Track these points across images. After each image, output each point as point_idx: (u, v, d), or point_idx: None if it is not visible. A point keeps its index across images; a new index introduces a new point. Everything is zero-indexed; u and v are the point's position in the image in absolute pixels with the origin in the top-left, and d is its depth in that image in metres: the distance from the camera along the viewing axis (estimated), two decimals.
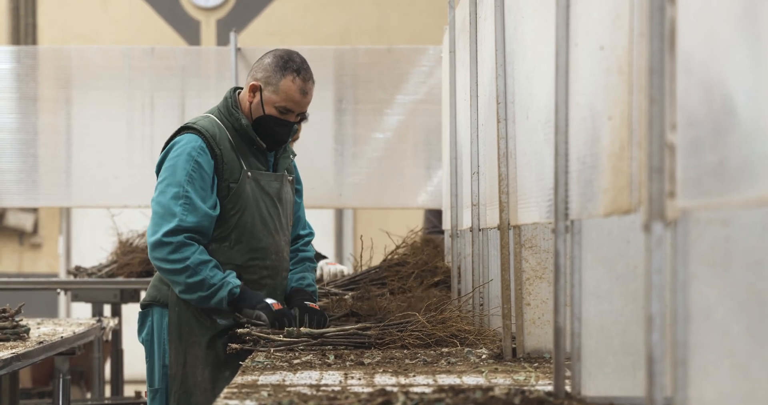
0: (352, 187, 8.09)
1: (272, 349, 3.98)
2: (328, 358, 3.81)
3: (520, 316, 3.84)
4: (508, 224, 3.75)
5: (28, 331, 4.81)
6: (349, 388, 3.10)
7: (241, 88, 4.46)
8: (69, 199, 8.18)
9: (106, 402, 7.97)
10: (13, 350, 4.38)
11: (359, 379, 3.33)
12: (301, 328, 4.09)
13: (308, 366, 3.66)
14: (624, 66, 2.35)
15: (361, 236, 5.87)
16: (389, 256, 5.78)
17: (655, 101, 2.04)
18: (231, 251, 4.35)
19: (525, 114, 3.48)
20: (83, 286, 7.69)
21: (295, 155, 4.65)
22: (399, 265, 5.69)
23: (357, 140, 8.08)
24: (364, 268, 5.83)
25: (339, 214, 12.03)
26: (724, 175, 1.85)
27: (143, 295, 5.15)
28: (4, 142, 8.05)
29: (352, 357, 3.82)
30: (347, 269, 6.34)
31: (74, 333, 5.26)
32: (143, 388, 5.05)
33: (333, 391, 3.01)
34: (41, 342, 4.69)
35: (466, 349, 3.93)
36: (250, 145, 4.39)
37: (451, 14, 5.66)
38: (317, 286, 4.79)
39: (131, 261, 7.67)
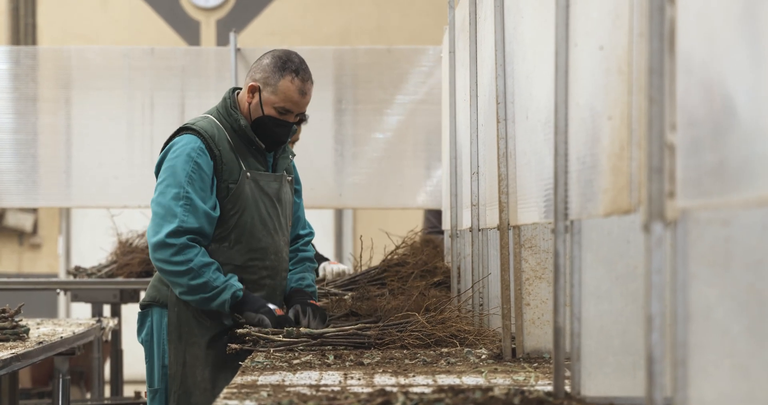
0: (351, 187, 8.09)
1: (272, 350, 3.98)
2: (328, 359, 3.81)
3: (520, 317, 3.84)
4: (508, 224, 3.75)
5: (27, 331, 4.81)
6: (348, 388, 3.10)
7: (240, 89, 4.46)
8: (69, 199, 8.18)
9: (106, 402, 7.97)
10: (13, 350, 4.38)
11: (359, 379, 3.33)
12: (301, 329, 4.09)
13: (308, 366, 3.66)
14: (624, 66, 2.35)
15: (361, 236, 5.87)
16: (389, 257, 5.78)
17: (654, 101, 2.03)
18: (230, 251, 4.35)
19: (525, 114, 3.48)
20: (83, 286, 7.69)
21: (294, 155, 4.65)
22: (399, 265, 5.69)
23: (357, 140, 8.08)
24: (364, 268, 5.84)
25: (339, 214, 12.03)
26: (724, 175, 1.85)
27: (143, 295, 5.14)
28: (3, 143, 8.05)
29: (352, 357, 3.82)
30: (348, 269, 6.34)
31: (74, 333, 5.25)
32: (143, 389, 5.06)
33: (332, 391, 3.01)
34: (41, 342, 4.69)
35: (466, 350, 3.93)
36: (249, 145, 4.39)
37: (450, 14, 5.66)
38: (318, 286, 4.79)
39: (131, 261, 7.67)
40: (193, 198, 4.24)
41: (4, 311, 4.76)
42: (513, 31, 3.69)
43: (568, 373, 2.79)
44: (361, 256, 5.86)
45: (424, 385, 3.17)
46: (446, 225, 6.16)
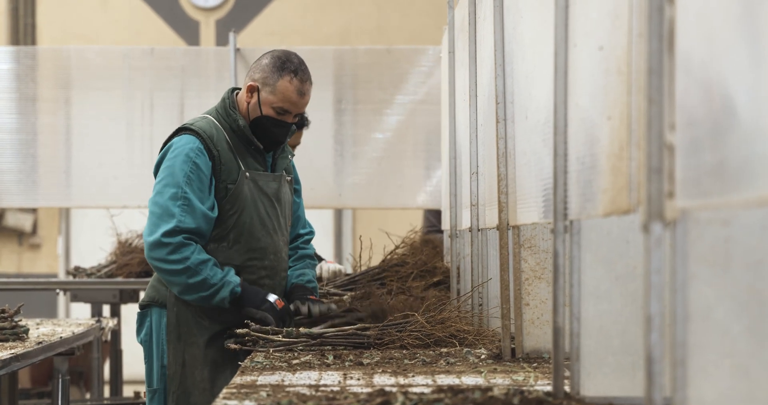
0: (351, 187, 8.09)
1: (271, 350, 3.98)
2: (327, 359, 3.81)
3: (519, 317, 3.83)
4: (507, 224, 3.75)
5: (27, 331, 4.81)
6: (348, 388, 3.10)
7: (239, 89, 4.46)
8: (68, 199, 8.18)
9: (105, 402, 7.97)
10: (12, 350, 4.37)
11: (358, 379, 3.33)
12: (300, 329, 4.09)
13: (307, 366, 3.66)
14: (623, 66, 2.35)
15: (361, 236, 5.87)
16: (388, 257, 5.78)
17: (654, 101, 2.03)
18: (229, 251, 4.35)
19: (524, 114, 3.48)
20: (82, 286, 7.69)
21: (293, 155, 4.65)
22: (398, 265, 5.69)
23: (357, 140, 8.08)
24: (364, 268, 5.83)
25: (338, 214, 12.03)
26: (724, 175, 1.85)
27: (142, 295, 5.14)
28: (3, 143, 8.05)
29: (351, 357, 3.81)
30: (345, 268, 6.34)
31: (73, 333, 5.25)
32: (142, 389, 5.05)
33: (332, 391, 3.01)
34: (40, 342, 4.69)
35: (465, 350, 3.93)
36: (247, 145, 4.39)
37: (450, 14, 5.66)
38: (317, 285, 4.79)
39: (130, 261, 7.67)
40: (191, 198, 4.24)
41: (3, 311, 4.76)
42: (512, 31, 3.69)
43: (567, 373, 2.79)
44: (360, 256, 5.86)
45: (423, 385, 3.17)
46: (446, 225, 6.16)
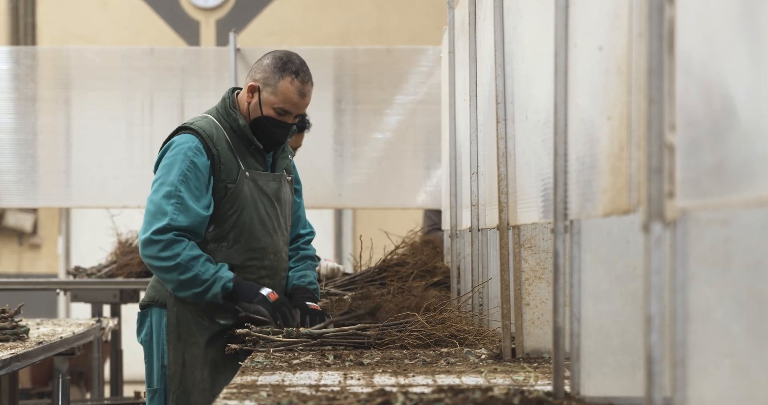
0: (351, 187, 8.09)
1: (271, 350, 3.98)
2: (328, 359, 3.81)
3: (520, 317, 3.84)
4: (508, 224, 3.75)
5: (27, 331, 4.81)
6: (348, 388, 3.10)
7: (240, 89, 4.46)
8: (68, 199, 8.18)
9: (106, 402, 7.97)
10: (13, 351, 4.37)
11: (358, 379, 3.33)
12: (301, 329, 4.09)
13: (307, 366, 3.66)
14: (623, 66, 2.35)
15: (361, 236, 5.87)
16: (388, 256, 5.78)
17: (654, 101, 2.03)
18: (229, 251, 4.35)
19: (524, 114, 3.48)
20: (82, 286, 7.69)
21: (293, 155, 4.65)
22: (398, 265, 5.69)
23: (357, 140, 8.08)
24: (364, 268, 5.84)
25: (338, 214, 12.03)
26: (724, 175, 1.85)
27: (142, 295, 5.14)
28: (3, 143, 8.05)
29: (352, 357, 3.82)
30: (344, 268, 6.34)
31: (73, 333, 5.25)
32: (142, 389, 5.05)
33: (332, 391, 3.01)
34: (40, 342, 4.69)
35: (466, 350, 3.93)
36: (248, 145, 4.39)
37: (450, 14, 5.66)
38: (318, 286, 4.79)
39: (130, 261, 7.67)
40: (184, 197, 4.25)
41: (3, 311, 4.76)
42: (512, 31, 3.69)
43: (567, 373, 2.79)
44: (360, 256, 5.86)
45: (423, 385, 3.17)
46: (446, 225, 6.16)
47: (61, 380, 5.60)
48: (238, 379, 3.33)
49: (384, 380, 3.30)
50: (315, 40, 11.80)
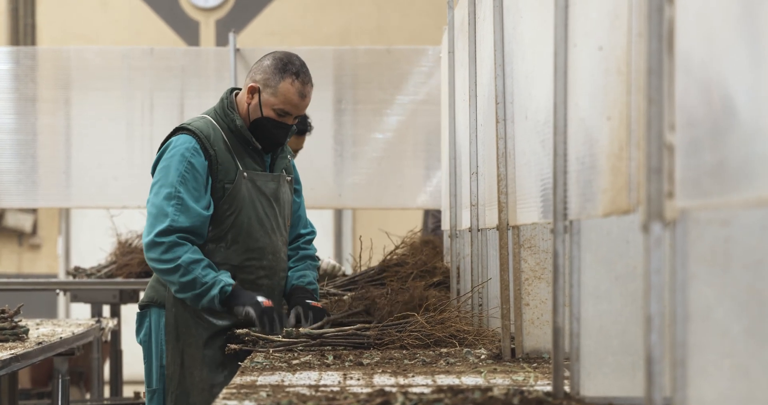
0: (351, 187, 8.09)
1: (271, 350, 3.98)
2: (327, 359, 3.81)
3: (519, 317, 3.83)
4: (507, 224, 3.75)
5: (27, 331, 4.81)
6: (348, 388, 3.10)
7: (239, 89, 4.46)
8: (68, 199, 8.18)
9: (105, 402, 7.97)
10: (12, 351, 4.37)
11: (358, 379, 3.33)
12: (300, 329, 4.09)
13: (307, 366, 3.66)
14: (622, 66, 2.35)
15: (361, 236, 5.87)
16: (388, 257, 5.78)
17: (653, 101, 2.03)
18: (227, 251, 4.35)
19: (524, 114, 3.48)
20: (82, 286, 7.69)
21: (293, 156, 4.65)
22: (398, 265, 5.69)
23: (357, 140, 8.09)
24: (364, 268, 5.83)
25: (338, 214, 12.03)
26: (724, 175, 1.85)
27: (142, 295, 5.15)
28: (3, 143, 8.05)
29: (351, 357, 3.81)
30: (344, 269, 6.34)
31: (73, 333, 5.25)
32: (142, 389, 5.06)
33: (332, 391, 3.01)
34: (40, 343, 4.69)
35: (465, 350, 3.93)
36: (245, 145, 4.38)
37: (450, 15, 5.66)
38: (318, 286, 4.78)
39: (130, 262, 7.67)
40: (184, 197, 4.25)
41: (3, 312, 4.76)
42: (512, 32, 3.69)
43: (567, 373, 2.78)
44: (360, 256, 5.86)
45: (423, 385, 3.17)
46: (445, 225, 6.16)
47: (60, 380, 5.60)
48: (237, 379, 3.33)
49: (384, 380, 3.30)
50: (315, 40, 11.80)
